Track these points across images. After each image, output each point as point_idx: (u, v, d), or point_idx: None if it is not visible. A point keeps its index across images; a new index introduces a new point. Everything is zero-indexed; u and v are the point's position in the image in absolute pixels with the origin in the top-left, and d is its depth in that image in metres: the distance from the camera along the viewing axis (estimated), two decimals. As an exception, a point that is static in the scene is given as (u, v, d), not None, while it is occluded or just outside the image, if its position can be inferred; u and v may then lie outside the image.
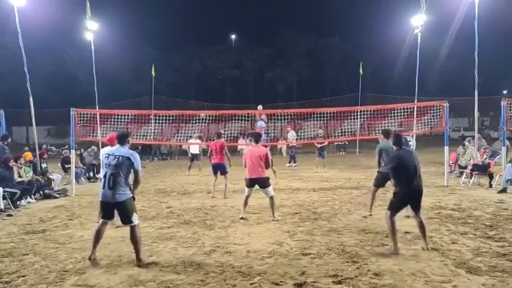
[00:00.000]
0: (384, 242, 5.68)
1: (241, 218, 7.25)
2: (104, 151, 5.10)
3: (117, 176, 4.80)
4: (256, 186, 7.35)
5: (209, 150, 10.63)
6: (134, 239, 4.92)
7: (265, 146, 8.48)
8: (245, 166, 7.38)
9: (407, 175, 5.21)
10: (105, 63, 28.51)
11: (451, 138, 13.13)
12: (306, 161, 17.53)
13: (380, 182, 7.53)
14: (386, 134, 7.66)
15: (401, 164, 5.27)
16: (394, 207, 5.34)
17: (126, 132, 5.38)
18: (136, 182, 4.98)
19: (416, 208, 5.40)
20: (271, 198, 7.29)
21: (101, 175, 5.07)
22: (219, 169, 10.01)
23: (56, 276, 4.60)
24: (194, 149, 14.97)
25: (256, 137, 7.56)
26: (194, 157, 14.94)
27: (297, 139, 16.53)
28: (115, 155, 4.88)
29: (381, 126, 13.27)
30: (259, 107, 18.09)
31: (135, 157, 4.94)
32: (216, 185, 10.05)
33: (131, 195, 4.95)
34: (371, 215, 7.41)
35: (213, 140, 10.72)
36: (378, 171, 7.64)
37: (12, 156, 9.84)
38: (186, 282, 4.37)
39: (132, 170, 4.91)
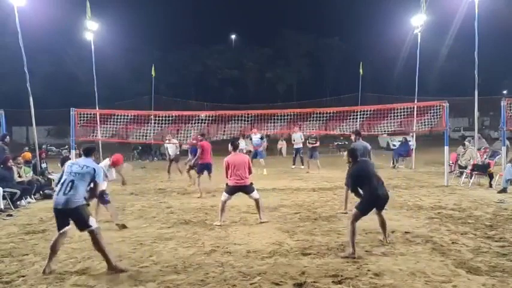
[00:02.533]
0: (384, 242, 5.67)
1: (220, 225, 6.86)
2: (70, 161, 5.23)
3: (75, 183, 4.73)
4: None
5: (200, 151, 10.43)
6: (98, 246, 4.72)
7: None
8: (226, 173, 7.11)
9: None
10: (105, 63, 28.48)
11: (451, 138, 13.13)
12: (306, 161, 17.48)
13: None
14: (358, 133, 8.19)
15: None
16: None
17: (93, 146, 5.52)
18: (92, 193, 4.99)
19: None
20: (257, 200, 7.16)
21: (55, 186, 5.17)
22: (207, 168, 10.36)
23: (56, 276, 4.60)
24: (172, 150, 14.27)
25: (235, 145, 7.36)
26: (174, 159, 14.16)
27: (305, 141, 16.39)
28: (80, 165, 4.90)
29: (381, 126, 13.32)
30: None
31: (99, 171, 4.97)
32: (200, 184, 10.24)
33: (84, 202, 4.83)
34: (346, 213, 7.54)
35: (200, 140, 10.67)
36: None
37: (11, 156, 9.85)
38: (186, 282, 4.37)
39: (92, 183, 4.90)
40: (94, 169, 4.89)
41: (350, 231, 5.23)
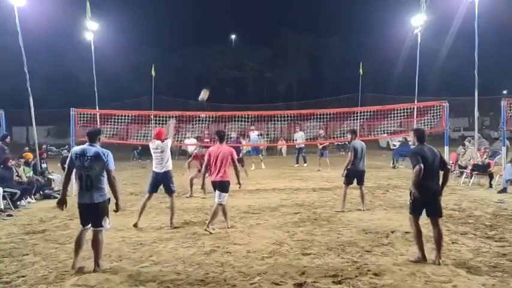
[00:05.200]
0: (384, 242, 5.68)
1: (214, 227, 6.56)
2: (73, 151, 4.79)
3: (92, 177, 4.64)
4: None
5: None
6: (96, 243, 4.73)
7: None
8: (205, 166, 6.64)
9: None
10: (105, 63, 28.43)
11: (451, 138, 13.13)
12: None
13: (351, 180, 8.04)
14: (354, 132, 8.33)
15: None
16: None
17: (97, 129, 5.10)
18: (109, 182, 4.74)
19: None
20: (221, 205, 6.55)
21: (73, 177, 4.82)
22: None
23: (56, 276, 4.60)
24: (191, 149, 14.64)
25: (221, 136, 6.77)
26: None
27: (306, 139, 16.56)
28: (87, 156, 4.65)
29: (381, 127, 13.34)
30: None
31: (108, 156, 4.71)
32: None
33: (108, 197, 4.78)
34: (343, 211, 7.80)
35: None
36: (349, 169, 8.01)
37: (11, 156, 9.85)
38: (186, 282, 4.37)
39: (106, 172, 4.71)
40: (101, 156, 4.65)
41: (414, 236, 4.94)
